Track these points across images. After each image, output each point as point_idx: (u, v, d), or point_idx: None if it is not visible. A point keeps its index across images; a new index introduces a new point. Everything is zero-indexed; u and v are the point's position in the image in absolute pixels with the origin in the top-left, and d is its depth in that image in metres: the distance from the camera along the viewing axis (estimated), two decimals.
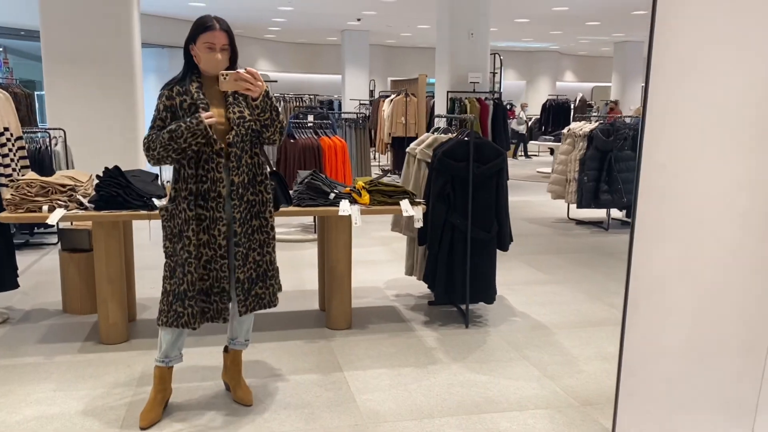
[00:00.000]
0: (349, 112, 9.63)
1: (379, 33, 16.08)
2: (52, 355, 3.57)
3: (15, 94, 7.86)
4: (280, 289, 2.98)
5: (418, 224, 3.86)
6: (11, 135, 4.11)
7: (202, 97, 2.62)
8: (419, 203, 3.92)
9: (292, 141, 6.58)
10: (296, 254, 6.08)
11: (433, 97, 12.11)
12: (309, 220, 7.43)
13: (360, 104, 14.63)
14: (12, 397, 3.08)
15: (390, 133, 11.61)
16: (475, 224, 3.99)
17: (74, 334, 3.91)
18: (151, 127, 2.65)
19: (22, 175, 4.17)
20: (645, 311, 1.86)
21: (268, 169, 2.89)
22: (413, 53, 19.31)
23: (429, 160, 4.38)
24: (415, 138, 11.50)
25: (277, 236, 6.75)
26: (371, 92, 16.07)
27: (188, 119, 2.57)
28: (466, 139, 3.97)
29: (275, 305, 2.95)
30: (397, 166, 12.35)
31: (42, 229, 6.38)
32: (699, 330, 1.86)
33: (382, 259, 5.94)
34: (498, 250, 4.16)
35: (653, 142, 1.78)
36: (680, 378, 1.77)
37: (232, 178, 2.67)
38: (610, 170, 7.17)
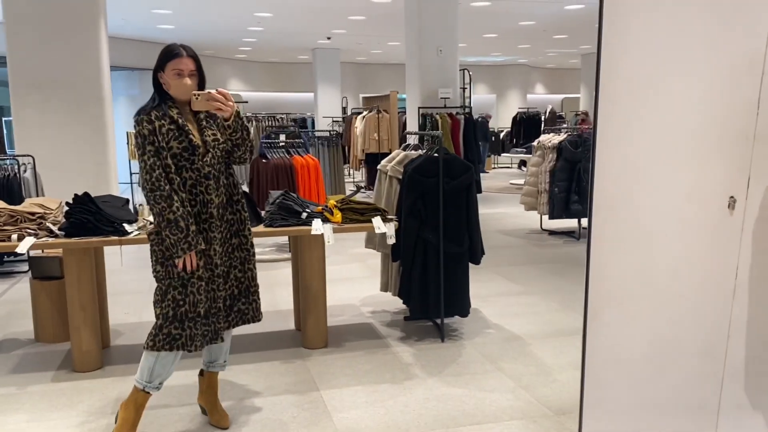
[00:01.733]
0: (322, 130, 9.69)
1: (350, 50, 16.20)
2: (25, 385, 3.53)
3: None
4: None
5: (391, 240, 3.90)
6: None
7: (184, 123, 2.69)
8: (391, 220, 3.97)
9: (264, 161, 6.60)
10: (271, 274, 6.07)
11: (404, 113, 12.25)
12: (284, 239, 7.43)
13: (333, 121, 14.70)
14: None
15: (363, 150, 11.68)
16: (447, 238, 4.05)
17: (47, 363, 3.86)
18: (143, 154, 2.65)
19: None
20: (605, 320, 1.91)
21: (240, 190, 2.94)
22: (384, 70, 19.48)
23: (400, 177, 4.43)
24: (389, 154, 11.62)
25: None
26: (344, 109, 16.16)
27: (190, 242, 2.64)
28: (435, 155, 4.03)
29: (259, 320, 3.02)
30: (371, 182, 12.41)
31: (12, 258, 6.30)
32: (659, 336, 1.92)
33: (357, 276, 5.96)
34: (471, 264, 4.21)
35: (605, 155, 1.84)
36: (643, 384, 1.83)
37: (212, 198, 2.75)
38: (579, 181, 7.30)
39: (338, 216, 3.91)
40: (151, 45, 13.01)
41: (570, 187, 7.34)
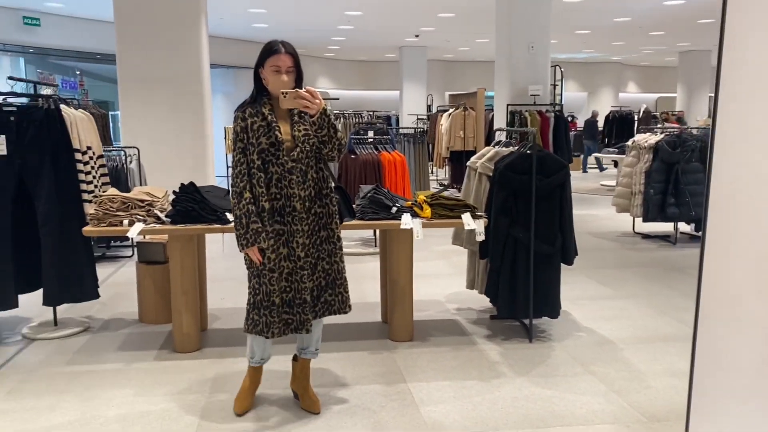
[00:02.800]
0: (407, 127, 9.73)
1: (437, 48, 16.17)
2: (131, 362, 3.76)
3: (92, 114, 8.33)
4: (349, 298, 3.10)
5: (480, 238, 3.88)
6: (93, 153, 4.37)
7: (274, 120, 2.80)
8: (481, 216, 3.95)
9: (353, 156, 6.71)
10: (358, 267, 6.18)
11: (491, 110, 12.10)
12: (369, 233, 7.53)
13: (417, 119, 14.73)
14: (96, 401, 3.26)
15: (448, 147, 11.62)
16: (538, 237, 3.98)
17: (150, 342, 4.10)
18: (234, 149, 2.86)
19: (104, 192, 4.42)
20: (717, 327, 1.83)
21: (333, 184, 3.01)
22: (471, 67, 19.32)
23: (490, 174, 4.40)
24: (474, 152, 11.52)
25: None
26: (429, 107, 16.16)
27: (248, 239, 2.78)
28: (528, 152, 3.97)
29: (346, 312, 3.07)
30: (455, 180, 12.35)
31: (118, 243, 6.71)
32: None
33: (442, 273, 5.96)
34: (562, 264, 4.13)
35: (723, 154, 1.76)
36: (754, 396, 1.73)
37: (298, 192, 2.82)
38: (677, 183, 6.99)
39: (428, 211, 3.93)
40: (246, 44, 13.48)
41: (666, 188, 7.03)
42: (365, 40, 14.60)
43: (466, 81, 18.98)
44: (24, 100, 4.27)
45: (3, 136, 3.85)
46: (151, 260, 4.49)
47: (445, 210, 3.94)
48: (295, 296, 2.89)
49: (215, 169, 8.03)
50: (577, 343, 4.10)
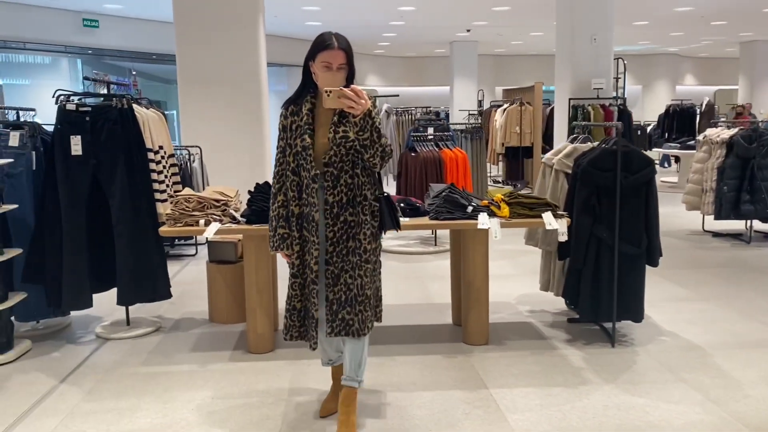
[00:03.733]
0: (460, 123, 9.55)
1: (488, 42, 15.92)
2: (205, 363, 3.73)
3: None
4: (378, 319, 2.84)
5: (563, 238, 3.72)
6: (165, 153, 4.37)
7: (310, 122, 2.65)
8: (562, 215, 3.79)
9: (413, 154, 6.60)
10: (419, 267, 6.07)
11: (548, 104, 11.82)
12: (427, 232, 7.40)
13: (469, 114, 14.53)
14: (176, 403, 3.24)
15: (503, 143, 11.42)
16: (623, 238, 3.80)
17: (223, 343, 4.07)
18: (277, 147, 2.76)
19: (175, 191, 4.42)
20: None
21: (369, 192, 2.70)
22: (522, 61, 18.97)
23: (568, 171, 4.23)
24: (531, 148, 11.30)
25: (397, 248, 6.81)
26: (479, 102, 15.93)
27: (273, 243, 2.75)
28: (613, 147, 3.79)
29: (364, 334, 2.71)
30: (510, 176, 12.14)
31: (182, 241, 6.76)
32: None
33: (509, 273, 5.80)
34: (647, 266, 3.94)
35: None
36: None
37: (326, 197, 2.64)
38: (752, 179, 6.65)
39: (506, 210, 3.79)
40: (299, 42, 13.50)
41: (741, 185, 6.70)
42: (416, 36, 14.45)
43: (518, 75, 18.64)
44: (97, 99, 4.29)
45: (78, 137, 3.87)
46: (222, 260, 4.47)
47: (524, 209, 3.79)
48: (307, 308, 2.77)
49: (273, 167, 8.02)
50: (662, 348, 3.90)
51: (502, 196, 3.86)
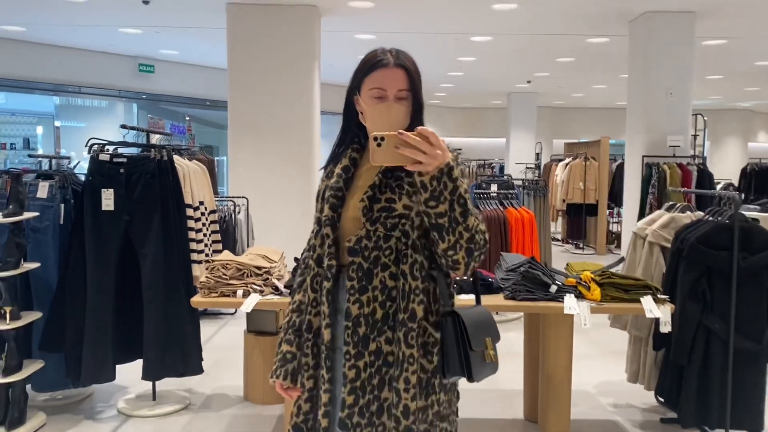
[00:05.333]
0: (517, 178, 8.99)
1: (548, 94, 15.40)
2: None
3: (199, 161, 8.20)
4: None
5: (666, 328, 3.08)
6: (205, 209, 3.96)
7: (340, 185, 1.70)
8: (665, 301, 3.16)
9: None
10: None
11: (614, 160, 11.16)
12: None
13: (526, 168, 13.95)
14: None
15: (564, 200, 10.79)
16: (740, 330, 3.14)
17: (258, 428, 3.54)
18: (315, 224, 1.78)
19: (214, 252, 3.98)
20: None
21: (422, 306, 1.61)
22: (582, 114, 18.34)
23: (665, 244, 3.62)
24: (596, 205, 10.62)
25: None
26: (537, 155, 15.34)
27: (274, 368, 1.80)
28: (727, 221, 3.17)
29: None
30: (570, 234, 11.44)
31: None
32: None
33: (587, 353, 5.09)
34: None
35: None
36: None
37: (348, 306, 1.63)
38: None
39: (597, 292, 3.18)
40: None
41: None
42: (474, 87, 14.06)
43: (576, 129, 18.02)
44: (135, 150, 3.93)
45: (111, 190, 3.48)
46: (261, 330, 3.97)
47: (618, 291, 3.17)
48: None
49: None
50: None
51: (592, 275, 3.25)
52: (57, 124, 12.02)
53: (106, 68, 9.98)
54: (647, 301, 3.12)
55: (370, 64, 1.66)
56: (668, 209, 3.81)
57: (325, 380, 1.65)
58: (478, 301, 1.83)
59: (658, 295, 3.18)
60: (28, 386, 3.62)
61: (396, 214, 1.61)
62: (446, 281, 1.68)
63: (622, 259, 3.72)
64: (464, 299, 3.11)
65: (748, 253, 3.13)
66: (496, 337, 1.72)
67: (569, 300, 3.14)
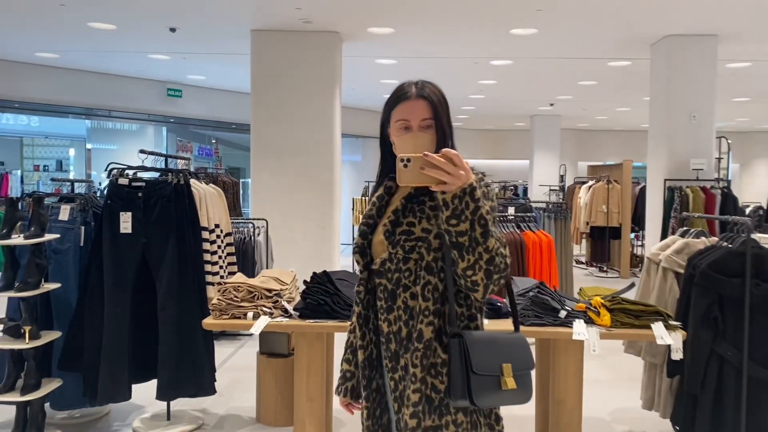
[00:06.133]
0: (539, 201, 8.95)
1: (571, 117, 15.36)
2: None
3: (224, 183, 8.35)
4: None
5: (677, 355, 3.05)
6: (221, 231, 4.04)
7: (372, 213, 1.82)
8: (676, 327, 3.12)
9: None
10: None
11: (637, 183, 11.05)
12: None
13: (550, 190, 13.87)
14: None
15: (588, 222, 10.70)
16: (753, 358, 3.08)
17: None
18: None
19: (230, 273, 4.05)
20: None
21: (430, 327, 1.67)
22: (606, 136, 18.23)
23: (678, 270, 3.58)
24: (619, 228, 10.52)
25: None
26: (561, 177, 15.24)
27: (340, 380, 1.90)
28: (739, 248, 3.14)
29: None
30: (594, 258, 11.32)
31: None
32: None
33: (600, 380, 5.04)
34: None
35: None
36: None
37: (380, 325, 1.74)
38: None
39: (606, 318, 3.16)
40: (376, 113, 13.43)
41: None
42: (496, 109, 14.11)
43: (601, 151, 17.89)
44: (154, 174, 4.04)
45: (129, 213, 3.58)
46: (274, 352, 4.01)
47: (629, 317, 3.15)
48: None
49: (341, 239, 7.66)
50: None
51: (602, 300, 3.24)
52: (88, 146, 12.36)
53: (136, 93, 10.26)
54: (658, 327, 3.09)
55: (396, 97, 1.77)
56: (682, 234, 3.78)
57: (365, 396, 1.77)
58: (516, 328, 1.85)
59: (670, 322, 3.16)
60: (47, 405, 3.70)
61: (414, 237, 1.68)
62: (464, 303, 1.71)
63: (632, 285, 3.69)
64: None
65: (761, 280, 3.08)
66: (523, 362, 1.69)
67: (578, 325, 3.13)
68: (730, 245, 3.27)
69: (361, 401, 1.80)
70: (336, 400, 3.92)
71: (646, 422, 4.03)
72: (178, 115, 11.18)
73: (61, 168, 13.08)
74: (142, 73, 9.92)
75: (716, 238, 3.57)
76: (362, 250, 1.80)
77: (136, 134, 12.21)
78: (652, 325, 3.10)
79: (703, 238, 3.66)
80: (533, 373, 1.71)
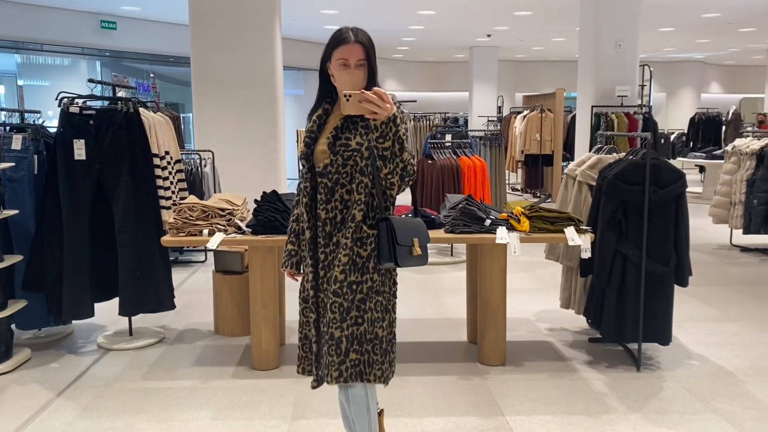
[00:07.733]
0: (479, 130, 9.32)
1: (509, 48, 15.68)
2: (208, 380, 3.57)
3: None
4: (391, 373, 2.35)
5: (586, 255, 3.51)
6: (171, 158, 4.23)
7: (314, 129, 2.32)
8: (586, 231, 3.57)
9: (430, 162, 6.42)
10: (434, 278, 5.86)
11: (570, 112, 11.56)
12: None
13: (488, 121, 14.30)
14: (173, 423, 3.07)
15: (522, 151, 11.18)
16: (651, 255, 3.57)
17: (227, 357, 3.91)
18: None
19: (181, 198, 4.27)
20: None
21: (361, 212, 2.23)
22: (543, 67, 18.68)
23: (592, 183, 4.02)
24: (551, 156, 11.06)
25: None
26: (499, 108, 15.67)
27: (285, 256, 2.46)
28: (641, 159, 3.57)
29: (381, 382, 2.30)
30: (529, 184, 11.89)
31: (191, 248, 6.62)
32: None
33: (527, 288, 5.58)
34: (676, 285, 3.71)
35: None
36: None
37: (318, 212, 2.28)
38: None
39: (526, 224, 3.59)
40: (317, 45, 13.38)
41: None
42: (435, 40, 14.28)
43: (538, 82, 18.35)
44: (103, 103, 4.17)
45: (82, 141, 3.73)
46: (228, 270, 4.31)
47: (545, 223, 3.59)
48: (304, 339, 2.39)
49: (287, 172, 7.87)
50: (690, 373, 3.67)
51: (522, 209, 3.65)
52: (20, 83, 11.93)
53: (68, 25, 9.94)
54: (570, 231, 3.53)
55: (338, 40, 2.25)
56: (596, 151, 4.21)
57: (310, 263, 2.32)
58: (415, 214, 2.68)
59: (580, 226, 3.61)
60: (13, 325, 3.92)
61: (351, 149, 2.23)
62: (384, 198, 2.27)
63: (548, 196, 4.12)
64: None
65: (658, 187, 3.54)
66: (424, 239, 2.29)
67: (501, 231, 3.54)
68: (634, 158, 3.71)
69: (302, 269, 2.39)
70: (288, 307, 4.27)
71: (564, 320, 4.56)
72: (113, 48, 10.91)
73: None
74: (74, 4, 9.61)
75: (623, 154, 4.01)
76: (306, 156, 2.33)
77: (69, 69, 11.81)
78: (565, 230, 3.54)
79: (615, 154, 4.10)
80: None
